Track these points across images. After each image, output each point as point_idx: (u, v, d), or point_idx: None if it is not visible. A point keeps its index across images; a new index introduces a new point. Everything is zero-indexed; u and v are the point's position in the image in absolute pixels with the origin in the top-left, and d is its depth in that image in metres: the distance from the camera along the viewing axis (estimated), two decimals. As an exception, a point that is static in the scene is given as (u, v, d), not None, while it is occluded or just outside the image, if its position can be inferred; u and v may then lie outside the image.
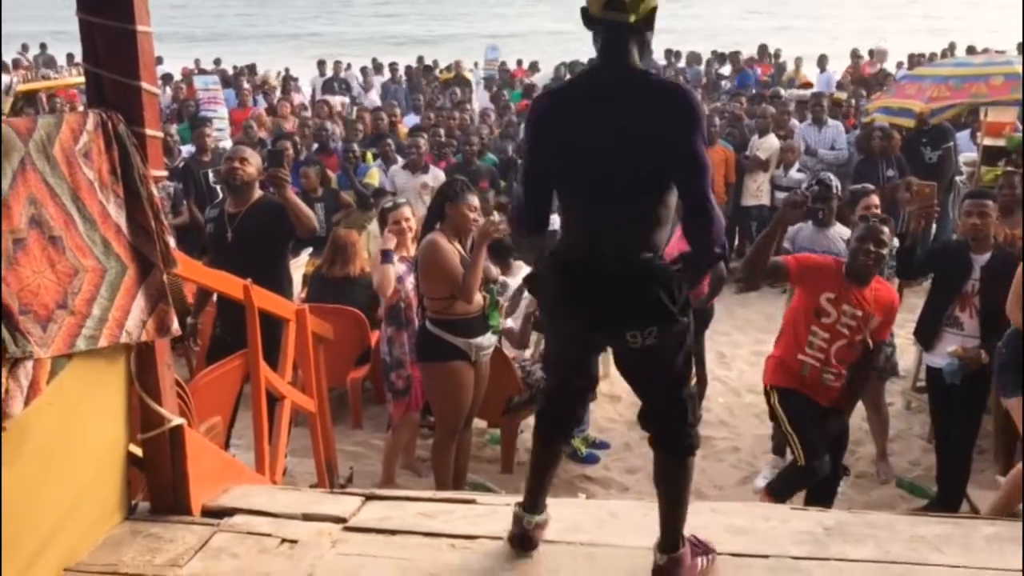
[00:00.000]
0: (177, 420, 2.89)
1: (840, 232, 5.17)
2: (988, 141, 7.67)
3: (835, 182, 5.30)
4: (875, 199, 5.46)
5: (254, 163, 4.93)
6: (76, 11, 2.67)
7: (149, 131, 2.74)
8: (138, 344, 2.74)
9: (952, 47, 16.94)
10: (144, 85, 2.69)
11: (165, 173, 3.01)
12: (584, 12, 2.50)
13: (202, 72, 17.04)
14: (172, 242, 2.74)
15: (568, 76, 16.18)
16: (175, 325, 2.75)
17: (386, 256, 4.87)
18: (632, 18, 2.44)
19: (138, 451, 2.92)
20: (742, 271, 6.49)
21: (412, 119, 12.28)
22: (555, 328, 2.77)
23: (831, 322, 4.18)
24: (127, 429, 2.88)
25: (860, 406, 5.63)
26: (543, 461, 2.81)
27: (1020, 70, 7.49)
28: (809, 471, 4.11)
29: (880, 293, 4.24)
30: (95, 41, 2.68)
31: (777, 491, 4.28)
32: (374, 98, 15.45)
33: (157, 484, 2.95)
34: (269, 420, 3.88)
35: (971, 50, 15.43)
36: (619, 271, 2.48)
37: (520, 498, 2.82)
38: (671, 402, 2.62)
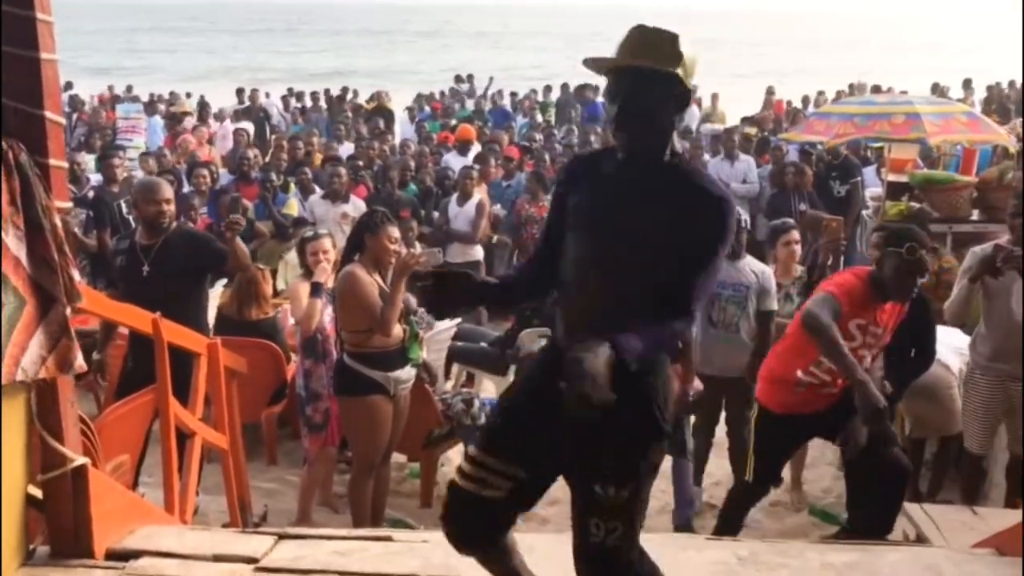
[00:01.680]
0: (80, 459, 2.79)
1: (750, 264, 5.29)
2: (892, 177, 7.98)
3: (744, 216, 5.45)
4: (795, 234, 5.60)
5: (172, 198, 4.88)
6: (-24, 37, 2.59)
7: (53, 161, 2.66)
8: (39, 381, 2.64)
9: (862, 87, 17.76)
10: (48, 114, 2.62)
11: (70, 205, 2.92)
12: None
13: (117, 99, 16.67)
14: (76, 275, 2.66)
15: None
16: (78, 361, 2.66)
17: (316, 290, 4.80)
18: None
19: (37, 492, 2.80)
20: None
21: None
22: None
23: (855, 346, 3.94)
24: (26, 470, 2.76)
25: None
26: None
27: (919, 110, 7.84)
28: (751, 491, 4.33)
29: (895, 307, 4.08)
30: (-4, 68, 2.60)
31: (726, 515, 4.48)
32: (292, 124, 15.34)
33: (58, 527, 2.83)
34: (179, 457, 3.77)
35: (876, 89, 16.13)
36: None
37: (438, 532, 2.74)
38: None
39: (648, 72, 2.24)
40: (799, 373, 4.05)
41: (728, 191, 2.42)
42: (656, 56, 2.24)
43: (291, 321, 5.81)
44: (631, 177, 2.31)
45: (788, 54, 43.88)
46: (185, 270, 4.71)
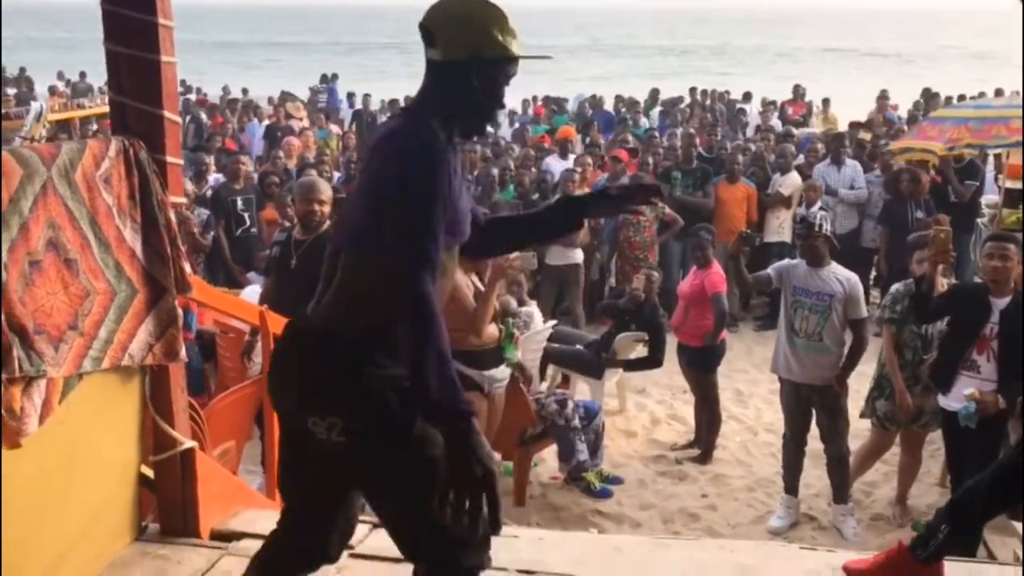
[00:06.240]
0: (189, 443, 2.93)
1: (836, 272, 5.07)
2: (1009, 184, 7.63)
3: (819, 220, 5.12)
4: (926, 252, 4.92)
5: (328, 199, 4.99)
6: (103, 41, 2.75)
7: (170, 158, 2.81)
8: (153, 367, 2.79)
9: (981, 95, 16.89)
10: (166, 114, 2.76)
11: (184, 200, 3.07)
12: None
13: (231, 103, 17.30)
14: (188, 268, 2.80)
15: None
16: (183, 351, 2.80)
17: None
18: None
19: (150, 472, 2.96)
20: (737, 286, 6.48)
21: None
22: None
23: None
24: (140, 450, 2.92)
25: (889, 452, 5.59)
26: None
27: (1041, 112, 7.46)
28: None
29: None
30: (120, 70, 2.76)
31: None
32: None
33: (167, 506, 2.98)
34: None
35: (999, 92, 15.36)
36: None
37: (529, 529, 2.76)
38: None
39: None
40: None
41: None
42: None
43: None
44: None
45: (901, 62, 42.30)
46: None
